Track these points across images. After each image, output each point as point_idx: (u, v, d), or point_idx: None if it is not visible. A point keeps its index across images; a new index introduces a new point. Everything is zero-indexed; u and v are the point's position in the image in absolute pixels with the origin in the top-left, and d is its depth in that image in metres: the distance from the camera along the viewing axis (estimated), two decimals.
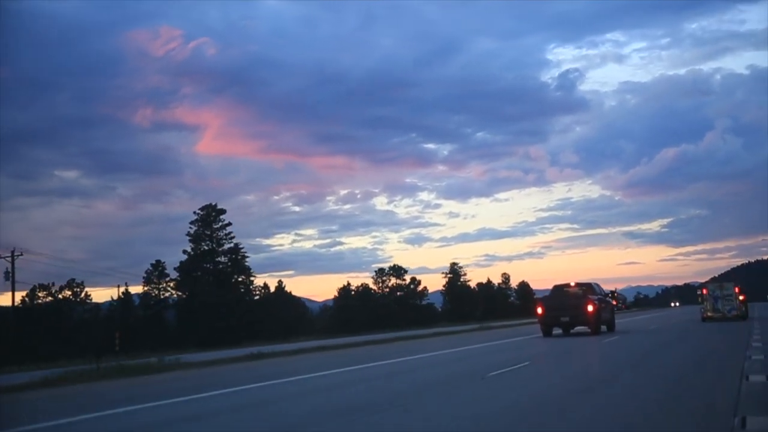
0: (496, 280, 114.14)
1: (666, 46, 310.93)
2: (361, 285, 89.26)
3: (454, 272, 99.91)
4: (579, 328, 25.17)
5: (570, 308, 24.13)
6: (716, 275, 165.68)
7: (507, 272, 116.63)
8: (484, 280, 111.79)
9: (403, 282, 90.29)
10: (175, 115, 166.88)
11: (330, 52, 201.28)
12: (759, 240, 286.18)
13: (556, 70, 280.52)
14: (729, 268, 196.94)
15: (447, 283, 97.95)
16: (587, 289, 25.52)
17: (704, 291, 34.54)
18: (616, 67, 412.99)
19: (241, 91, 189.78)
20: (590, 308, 23.70)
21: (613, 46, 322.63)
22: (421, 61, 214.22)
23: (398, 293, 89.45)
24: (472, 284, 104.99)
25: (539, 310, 24.75)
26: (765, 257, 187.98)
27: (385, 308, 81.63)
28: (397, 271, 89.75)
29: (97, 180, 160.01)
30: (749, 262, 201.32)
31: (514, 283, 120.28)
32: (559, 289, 26.05)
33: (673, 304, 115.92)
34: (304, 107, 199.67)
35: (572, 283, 26.65)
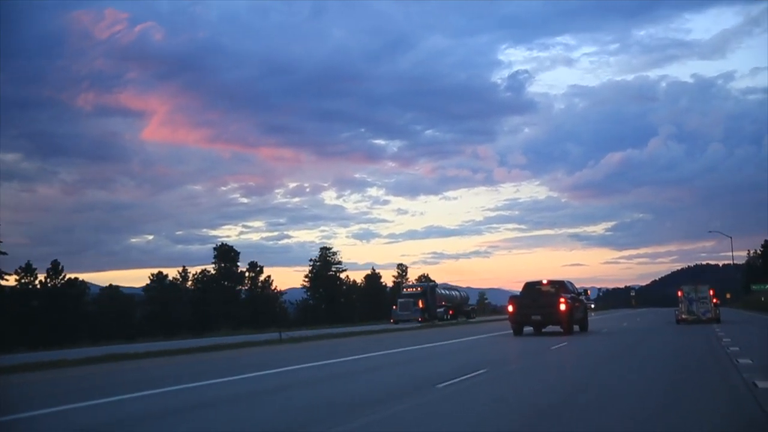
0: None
1: (615, 51, 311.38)
2: (200, 272, 63.71)
3: (324, 260, 73.17)
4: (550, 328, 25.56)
5: (542, 306, 24.24)
6: (656, 279, 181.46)
7: (404, 263, 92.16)
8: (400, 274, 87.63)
9: (236, 270, 64.11)
10: (119, 100, 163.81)
11: (280, 41, 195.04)
12: (699, 245, 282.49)
13: (506, 71, 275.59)
14: (669, 272, 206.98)
15: (310, 273, 71.77)
16: (560, 287, 25.52)
17: (679, 293, 34.14)
18: (565, 71, 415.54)
19: (189, 78, 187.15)
20: (563, 307, 23.78)
21: (564, 49, 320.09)
22: (372, 55, 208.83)
23: (224, 283, 63.10)
24: (357, 277, 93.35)
25: (510, 308, 24.90)
26: (704, 262, 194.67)
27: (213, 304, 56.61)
28: (224, 254, 63.80)
29: (39, 164, 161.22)
30: (689, 266, 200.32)
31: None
32: (531, 287, 25.91)
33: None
34: (253, 97, 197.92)
35: (544, 281, 26.42)
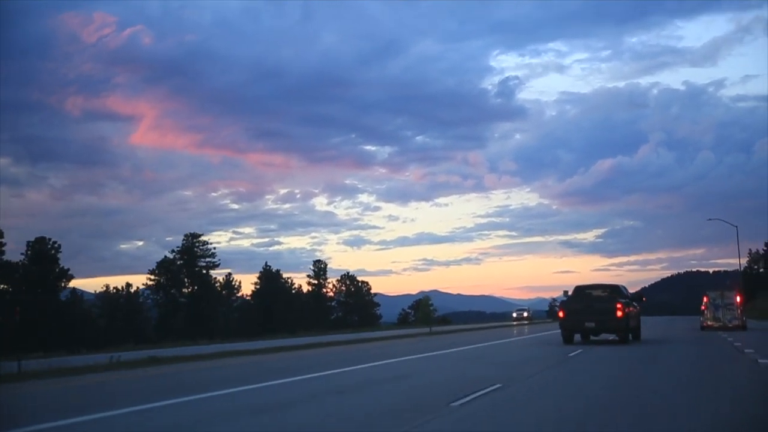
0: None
1: (606, 58, 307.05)
2: None
3: (190, 252, 52.26)
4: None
5: (596, 313, 22.93)
6: (646, 286, 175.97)
7: (322, 259, 72.64)
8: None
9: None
10: (107, 104, 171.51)
11: (270, 45, 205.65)
12: (689, 252, 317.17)
13: (498, 77, 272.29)
14: (659, 279, 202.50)
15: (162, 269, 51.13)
16: (615, 291, 24.94)
17: (705, 299, 34.36)
18: (557, 77, 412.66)
19: (177, 83, 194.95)
20: (620, 313, 22.69)
21: (555, 55, 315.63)
22: (362, 59, 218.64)
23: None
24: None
25: (561, 314, 24.40)
26: (695, 269, 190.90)
27: None
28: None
29: (28, 168, 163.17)
30: (679, 273, 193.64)
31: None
32: (582, 291, 25.27)
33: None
34: (242, 101, 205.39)
35: (596, 285, 25.91)
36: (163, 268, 62.72)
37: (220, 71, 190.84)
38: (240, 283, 71.67)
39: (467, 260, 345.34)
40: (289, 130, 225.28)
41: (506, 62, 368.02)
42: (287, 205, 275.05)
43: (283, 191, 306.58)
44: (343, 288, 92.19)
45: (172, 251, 65.00)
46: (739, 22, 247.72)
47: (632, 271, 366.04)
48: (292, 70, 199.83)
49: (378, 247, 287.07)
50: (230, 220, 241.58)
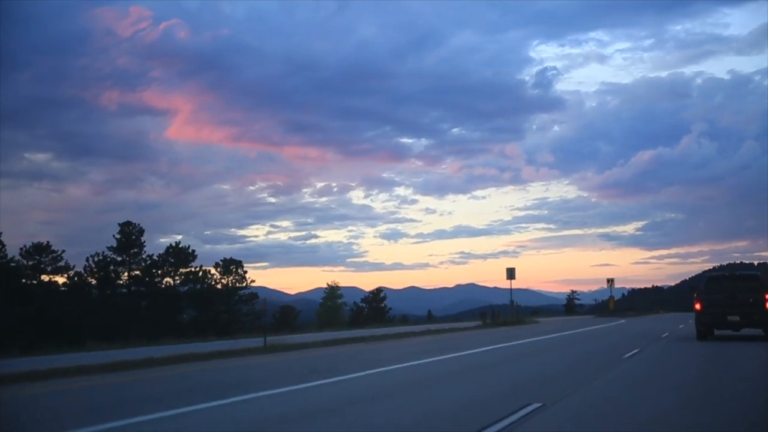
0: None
1: (649, 47, 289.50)
2: None
3: None
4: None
5: (742, 305, 21.67)
6: (686, 279, 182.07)
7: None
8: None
9: None
10: (143, 98, 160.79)
11: (305, 38, 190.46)
12: (731, 245, 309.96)
13: (537, 68, 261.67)
14: (700, 272, 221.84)
15: None
16: (757, 280, 23.30)
17: None
18: (597, 67, 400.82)
19: (212, 76, 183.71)
20: None
21: (597, 45, 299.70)
22: (398, 51, 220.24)
23: None
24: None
25: (697, 306, 22.95)
26: (738, 261, 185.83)
27: None
28: None
29: (68, 164, 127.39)
30: (721, 265, 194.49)
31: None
32: (719, 281, 24.08)
33: None
34: (277, 95, 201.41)
35: (731, 274, 25.10)
36: None
37: (254, 64, 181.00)
38: None
39: (504, 253, 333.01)
40: (325, 123, 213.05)
41: (546, 53, 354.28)
42: (324, 199, 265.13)
43: (319, 185, 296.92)
44: (171, 271, 62.17)
45: None
46: None
47: (673, 264, 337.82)
48: (326, 62, 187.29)
49: (415, 240, 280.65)
50: (267, 214, 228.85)
